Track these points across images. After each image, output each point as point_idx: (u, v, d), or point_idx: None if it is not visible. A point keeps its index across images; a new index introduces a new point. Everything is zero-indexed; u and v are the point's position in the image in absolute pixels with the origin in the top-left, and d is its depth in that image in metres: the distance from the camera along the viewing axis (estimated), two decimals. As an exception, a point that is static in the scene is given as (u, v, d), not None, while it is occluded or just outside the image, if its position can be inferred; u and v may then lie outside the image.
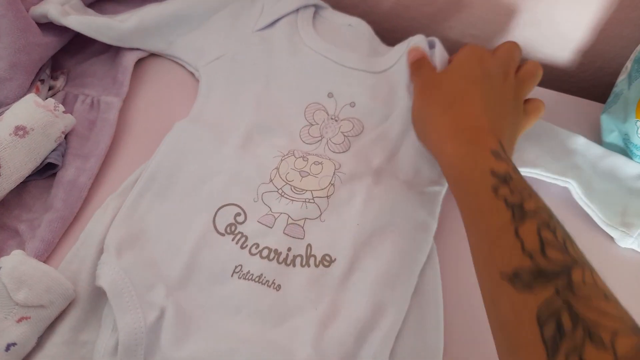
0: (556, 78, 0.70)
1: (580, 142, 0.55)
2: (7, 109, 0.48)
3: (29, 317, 0.39)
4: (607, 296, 0.31)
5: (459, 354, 0.45)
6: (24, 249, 0.45)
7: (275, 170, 0.50)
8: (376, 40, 0.62)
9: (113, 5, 0.63)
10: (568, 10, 0.61)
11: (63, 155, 0.50)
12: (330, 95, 0.56)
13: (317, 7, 0.63)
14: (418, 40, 0.59)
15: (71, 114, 0.52)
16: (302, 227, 0.48)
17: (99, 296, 0.43)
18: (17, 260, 0.40)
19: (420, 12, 0.67)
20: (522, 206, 0.37)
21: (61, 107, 0.49)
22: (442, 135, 0.47)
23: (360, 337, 0.43)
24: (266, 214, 0.48)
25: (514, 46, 0.52)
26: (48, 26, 0.55)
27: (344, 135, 0.54)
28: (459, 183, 0.44)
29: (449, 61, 0.55)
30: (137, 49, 0.59)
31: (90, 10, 0.60)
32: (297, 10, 0.61)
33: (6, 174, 0.45)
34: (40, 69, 0.54)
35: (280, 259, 0.46)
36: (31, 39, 0.51)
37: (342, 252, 0.47)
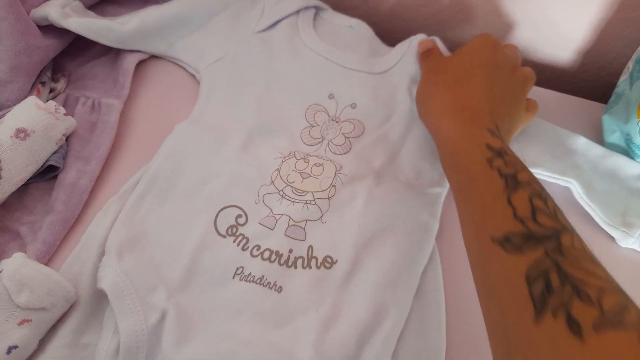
0: (557, 78, 0.70)
1: (581, 142, 0.55)
2: (8, 111, 0.48)
3: (31, 320, 0.39)
4: (594, 260, 0.32)
5: (461, 355, 0.45)
6: (25, 252, 0.45)
7: (276, 171, 0.50)
8: (377, 41, 0.62)
9: (114, 7, 0.63)
10: (569, 11, 0.61)
11: (64, 158, 0.50)
12: (331, 96, 0.56)
13: (317, 9, 0.63)
14: (420, 38, 0.59)
15: (72, 116, 0.52)
16: (304, 229, 0.48)
17: (100, 298, 0.43)
18: (19, 263, 0.40)
19: (420, 13, 0.67)
20: (515, 176, 0.38)
21: (62, 110, 0.49)
22: (442, 111, 0.48)
23: (362, 338, 0.43)
24: (267, 216, 0.48)
25: (517, 48, 0.54)
26: (49, 28, 0.55)
27: (345, 137, 0.54)
28: (453, 156, 0.44)
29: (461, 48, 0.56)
30: (138, 51, 0.59)
31: (91, 13, 0.60)
32: (298, 11, 0.61)
33: (7, 177, 0.45)
34: (41, 72, 0.54)
35: (282, 261, 0.46)
36: (32, 41, 0.51)
37: (344, 253, 0.46)
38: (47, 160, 0.48)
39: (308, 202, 0.49)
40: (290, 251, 0.46)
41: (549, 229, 0.34)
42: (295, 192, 0.49)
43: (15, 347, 0.38)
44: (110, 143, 0.52)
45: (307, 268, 0.46)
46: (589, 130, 0.60)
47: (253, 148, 0.52)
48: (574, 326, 0.28)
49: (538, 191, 0.37)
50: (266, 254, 0.46)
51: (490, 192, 0.38)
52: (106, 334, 0.41)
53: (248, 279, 0.45)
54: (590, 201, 0.53)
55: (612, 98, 0.58)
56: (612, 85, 0.60)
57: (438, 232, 0.50)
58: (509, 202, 0.36)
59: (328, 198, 0.49)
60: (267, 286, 0.45)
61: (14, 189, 0.46)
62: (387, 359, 0.42)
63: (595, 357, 0.27)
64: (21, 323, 0.39)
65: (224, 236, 0.47)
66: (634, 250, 0.52)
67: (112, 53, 0.59)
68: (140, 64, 0.59)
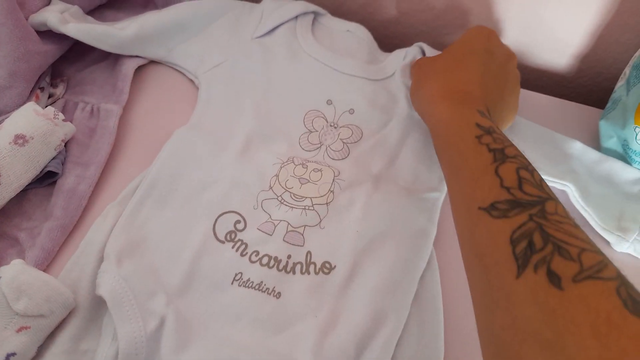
0: (554, 84, 0.70)
1: (577, 147, 0.56)
2: (7, 117, 0.48)
3: (29, 327, 0.39)
4: (577, 226, 0.33)
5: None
6: (24, 258, 0.45)
7: (275, 177, 0.51)
8: (374, 45, 0.62)
9: (112, 12, 0.63)
10: (566, 16, 0.61)
11: (63, 163, 0.50)
12: (329, 102, 0.57)
13: (316, 14, 0.63)
14: (414, 53, 0.60)
15: (71, 121, 0.52)
16: (302, 234, 0.48)
17: (99, 305, 0.43)
18: (17, 270, 0.40)
19: (419, 19, 0.67)
20: (503, 150, 0.39)
21: (61, 116, 0.49)
22: (433, 96, 0.49)
23: (361, 344, 0.43)
24: (266, 222, 0.48)
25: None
26: (47, 34, 0.55)
27: (343, 142, 0.54)
28: (444, 136, 0.45)
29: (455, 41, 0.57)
30: (137, 57, 0.59)
31: (89, 18, 0.60)
32: (296, 17, 0.61)
33: (6, 183, 0.45)
34: (39, 77, 0.54)
35: (280, 267, 0.46)
36: (30, 47, 0.51)
37: (342, 259, 0.47)
38: (45, 166, 0.48)
39: (306, 207, 0.49)
40: (289, 257, 0.47)
41: (534, 196, 0.35)
42: (293, 197, 0.50)
43: (14, 354, 0.38)
44: (109, 148, 0.52)
45: (306, 274, 0.46)
46: (585, 135, 0.60)
47: (251, 153, 0.52)
48: (554, 278, 0.29)
49: (525, 164, 0.38)
50: (265, 260, 0.46)
51: (479, 165, 0.39)
52: (105, 341, 0.41)
53: (247, 285, 0.45)
54: (585, 205, 0.53)
55: (609, 104, 0.59)
56: (609, 90, 0.61)
57: (436, 237, 0.50)
58: (497, 173, 0.37)
59: (326, 204, 0.50)
60: (266, 292, 0.45)
61: (12, 195, 0.46)
62: (386, 365, 0.42)
63: (574, 304, 0.28)
64: (19, 330, 0.39)
65: (222, 242, 0.47)
66: (629, 254, 0.52)
67: (111, 58, 0.59)
68: (139, 69, 0.59)
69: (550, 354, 0.28)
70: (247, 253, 0.46)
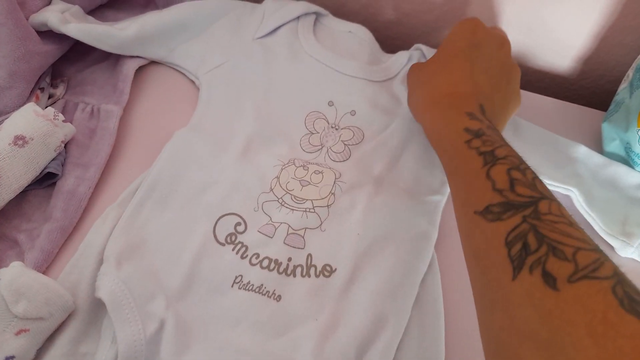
0: (557, 86, 0.70)
1: (582, 151, 0.55)
2: (7, 118, 0.48)
3: (28, 330, 0.39)
4: (573, 224, 0.33)
5: (460, 364, 0.45)
6: (23, 260, 0.44)
7: (276, 179, 0.50)
8: (376, 46, 0.62)
9: (113, 12, 0.63)
10: (569, 18, 0.61)
11: (62, 165, 0.50)
12: (330, 103, 0.56)
13: (317, 15, 0.63)
14: (418, 56, 0.60)
15: (71, 122, 0.52)
16: (303, 237, 0.48)
17: (98, 307, 0.43)
18: (16, 272, 0.39)
19: (420, 20, 0.67)
20: (493, 152, 0.39)
21: (61, 117, 0.49)
22: (423, 104, 0.49)
23: (361, 348, 0.43)
24: (266, 224, 0.48)
25: (502, 30, 0.55)
26: (48, 34, 0.55)
27: (344, 144, 0.54)
28: (437, 143, 0.46)
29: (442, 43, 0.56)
30: (138, 57, 0.59)
31: (90, 18, 0.60)
32: (298, 17, 0.61)
33: (5, 184, 0.45)
34: (40, 77, 0.54)
35: (281, 269, 0.46)
36: (31, 47, 0.51)
37: (343, 262, 0.46)
38: (45, 167, 0.48)
39: (307, 210, 0.49)
40: (289, 259, 0.46)
41: (526, 197, 0.35)
42: (294, 200, 0.49)
43: (13, 357, 0.38)
44: (109, 150, 0.52)
45: (306, 277, 0.46)
46: (588, 137, 0.60)
47: (252, 155, 0.52)
48: (549, 279, 0.30)
49: (516, 164, 0.38)
50: (265, 263, 0.46)
51: (471, 170, 0.40)
52: (104, 344, 0.41)
53: (247, 288, 0.45)
54: (590, 210, 0.53)
55: (612, 106, 0.58)
56: (612, 92, 0.60)
57: (437, 240, 0.49)
58: (488, 176, 0.38)
59: (327, 206, 0.49)
60: (266, 295, 0.45)
61: (12, 196, 0.46)
62: (387, 368, 0.42)
63: (570, 305, 0.28)
64: (18, 333, 0.38)
65: (223, 244, 0.46)
66: (634, 259, 0.52)
67: (111, 59, 0.59)
68: (140, 69, 0.59)
69: (548, 354, 0.28)
70: (247, 255, 0.46)
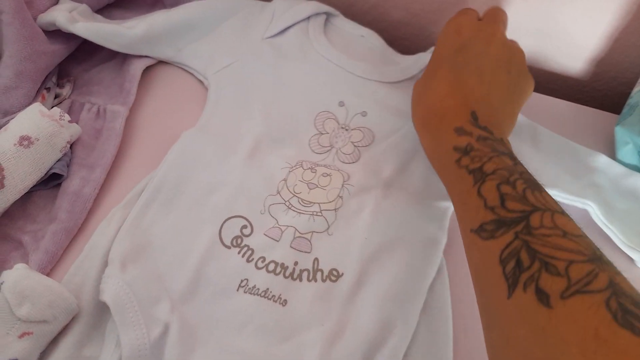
0: (569, 88, 0.69)
1: (602, 161, 0.54)
2: (12, 118, 0.48)
3: (32, 333, 0.38)
4: (566, 234, 0.33)
5: (468, 371, 0.44)
6: (27, 261, 0.44)
7: (283, 182, 0.50)
8: (389, 50, 0.61)
9: (121, 11, 0.63)
10: (581, 19, 0.60)
11: (68, 165, 0.49)
12: (341, 104, 0.56)
13: (328, 15, 0.62)
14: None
15: (77, 122, 0.52)
16: (310, 241, 0.47)
17: (102, 310, 0.43)
18: (20, 275, 0.39)
19: (429, 20, 0.66)
20: (481, 169, 0.39)
21: (67, 117, 0.49)
22: (417, 126, 0.49)
23: (368, 354, 0.42)
24: (273, 227, 0.47)
25: (498, 9, 0.52)
26: (55, 34, 0.54)
27: (354, 145, 0.53)
28: (433, 162, 0.47)
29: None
30: (145, 57, 0.58)
31: (98, 16, 0.59)
32: (309, 17, 0.60)
33: (10, 185, 0.44)
34: (46, 77, 0.53)
35: (287, 274, 0.45)
36: (37, 47, 0.51)
37: (350, 266, 0.46)
38: (50, 168, 0.48)
39: (314, 213, 0.48)
40: (296, 263, 0.46)
41: (517, 212, 0.35)
42: (301, 203, 0.49)
43: (16, 360, 0.38)
44: (115, 150, 0.51)
45: (313, 281, 0.45)
46: (600, 141, 0.59)
47: (260, 157, 0.51)
48: (542, 297, 0.30)
49: (506, 177, 0.38)
50: (271, 266, 0.45)
51: (463, 189, 0.40)
52: (108, 347, 0.41)
53: (252, 292, 0.44)
54: (609, 222, 0.51)
55: (626, 109, 0.57)
56: (625, 95, 0.59)
57: (446, 245, 0.49)
58: (479, 194, 0.38)
59: (335, 209, 0.49)
60: (272, 299, 0.44)
61: (17, 197, 0.45)
62: (394, 375, 0.41)
63: (562, 321, 0.28)
64: (22, 336, 0.38)
65: (228, 247, 0.46)
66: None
67: (118, 58, 0.59)
68: (147, 69, 0.59)
69: None
70: (253, 259, 0.46)
